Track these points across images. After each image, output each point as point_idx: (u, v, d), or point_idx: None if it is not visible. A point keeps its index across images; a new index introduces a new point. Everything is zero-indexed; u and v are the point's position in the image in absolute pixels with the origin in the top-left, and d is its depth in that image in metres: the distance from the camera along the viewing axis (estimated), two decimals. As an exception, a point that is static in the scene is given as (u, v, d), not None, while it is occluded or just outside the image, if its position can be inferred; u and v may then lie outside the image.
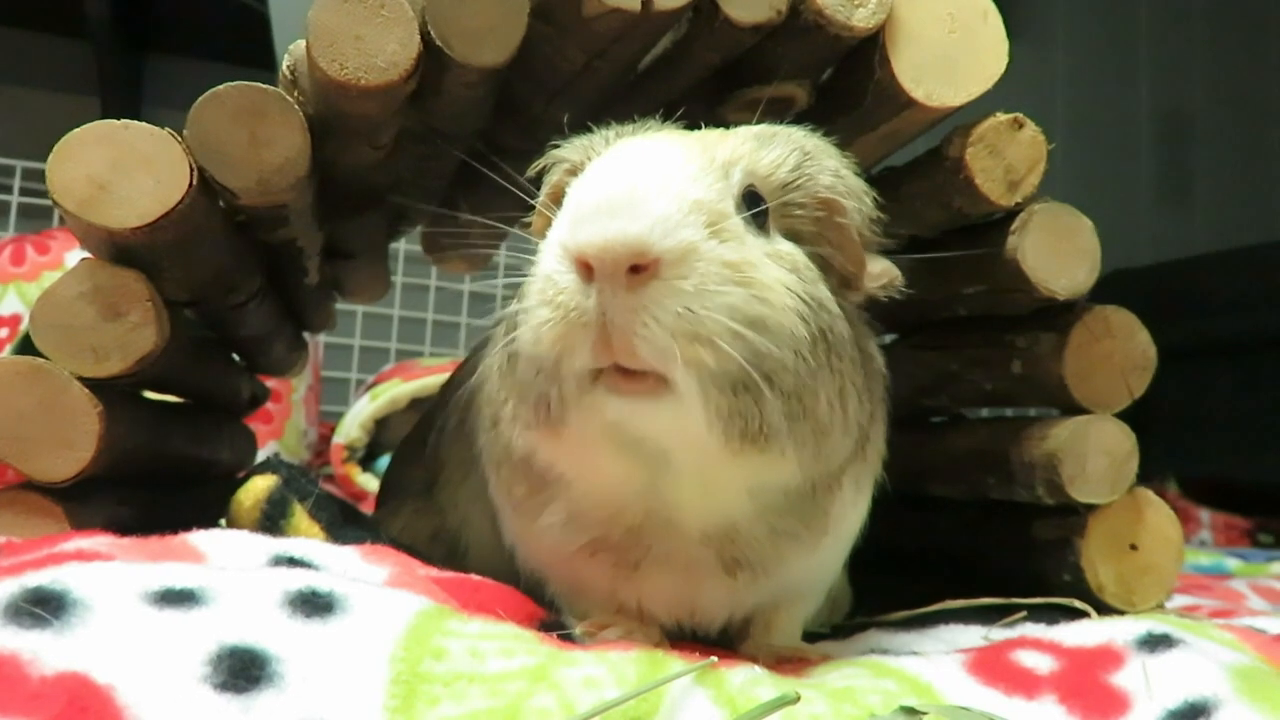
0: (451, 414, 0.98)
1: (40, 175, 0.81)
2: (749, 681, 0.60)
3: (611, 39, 0.87)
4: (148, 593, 0.57)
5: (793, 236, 0.73)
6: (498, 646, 0.59)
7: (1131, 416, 0.96)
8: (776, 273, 0.68)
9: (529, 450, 0.74)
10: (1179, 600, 1.29)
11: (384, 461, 2.34)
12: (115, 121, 0.79)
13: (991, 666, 0.71)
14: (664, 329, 0.61)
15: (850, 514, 0.81)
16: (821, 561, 0.82)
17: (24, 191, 2.67)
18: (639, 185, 0.64)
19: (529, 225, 0.81)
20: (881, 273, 0.77)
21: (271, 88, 0.82)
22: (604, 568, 0.75)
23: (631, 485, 0.70)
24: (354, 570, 0.73)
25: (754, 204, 0.71)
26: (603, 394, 0.65)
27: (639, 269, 0.61)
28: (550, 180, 0.79)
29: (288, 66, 0.85)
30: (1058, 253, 0.92)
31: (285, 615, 0.57)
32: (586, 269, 0.62)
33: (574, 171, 0.75)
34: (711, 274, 0.63)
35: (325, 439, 2.61)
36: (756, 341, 0.64)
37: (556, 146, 0.79)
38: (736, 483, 0.70)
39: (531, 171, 0.81)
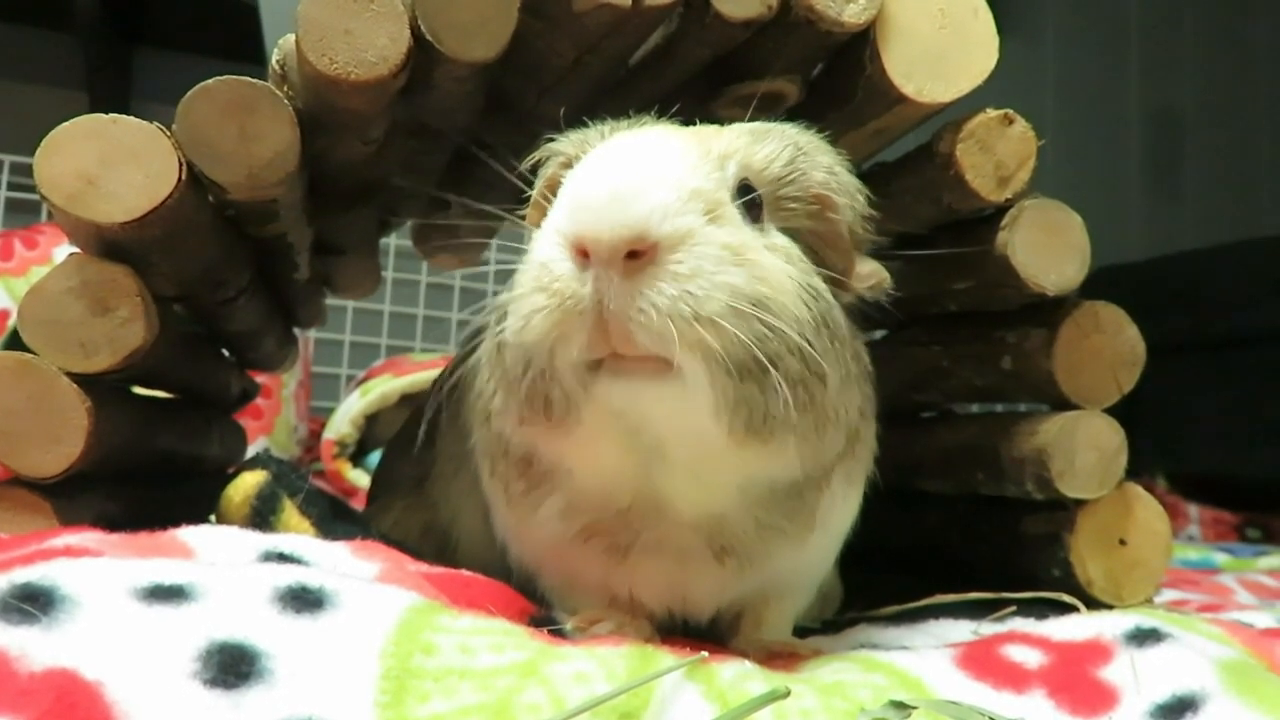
0: (444, 408, 0.98)
1: (28, 170, 0.80)
2: (739, 676, 0.61)
3: (602, 34, 0.87)
4: (137, 589, 0.56)
5: (787, 231, 0.73)
6: (488, 642, 0.59)
7: (1120, 412, 0.96)
8: (774, 259, 0.68)
9: (529, 446, 0.74)
10: (1167, 595, 1.30)
11: (374, 457, 2.34)
12: (104, 116, 0.78)
13: (981, 661, 0.71)
14: (661, 313, 0.61)
15: (840, 510, 0.81)
16: (811, 557, 0.82)
17: (12, 186, 2.66)
18: (637, 173, 0.64)
19: (523, 218, 0.81)
20: (870, 273, 0.77)
21: (261, 82, 0.81)
22: (596, 554, 0.75)
23: (627, 471, 0.70)
24: (344, 566, 0.73)
25: (748, 197, 0.71)
26: (606, 381, 0.64)
27: (637, 255, 0.61)
28: (545, 173, 0.79)
29: (277, 61, 0.84)
30: (1047, 248, 0.93)
31: (275, 611, 0.57)
32: (584, 255, 0.62)
33: (569, 164, 0.75)
34: (709, 255, 0.63)
35: (315, 435, 2.61)
36: (760, 321, 0.63)
37: (550, 140, 0.79)
38: (730, 475, 0.70)
39: (526, 165, 0.81)
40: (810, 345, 0.66)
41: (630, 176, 0.63)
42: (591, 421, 0.66)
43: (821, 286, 0.71)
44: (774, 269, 0.67)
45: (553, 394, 0.66)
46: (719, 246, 0.64)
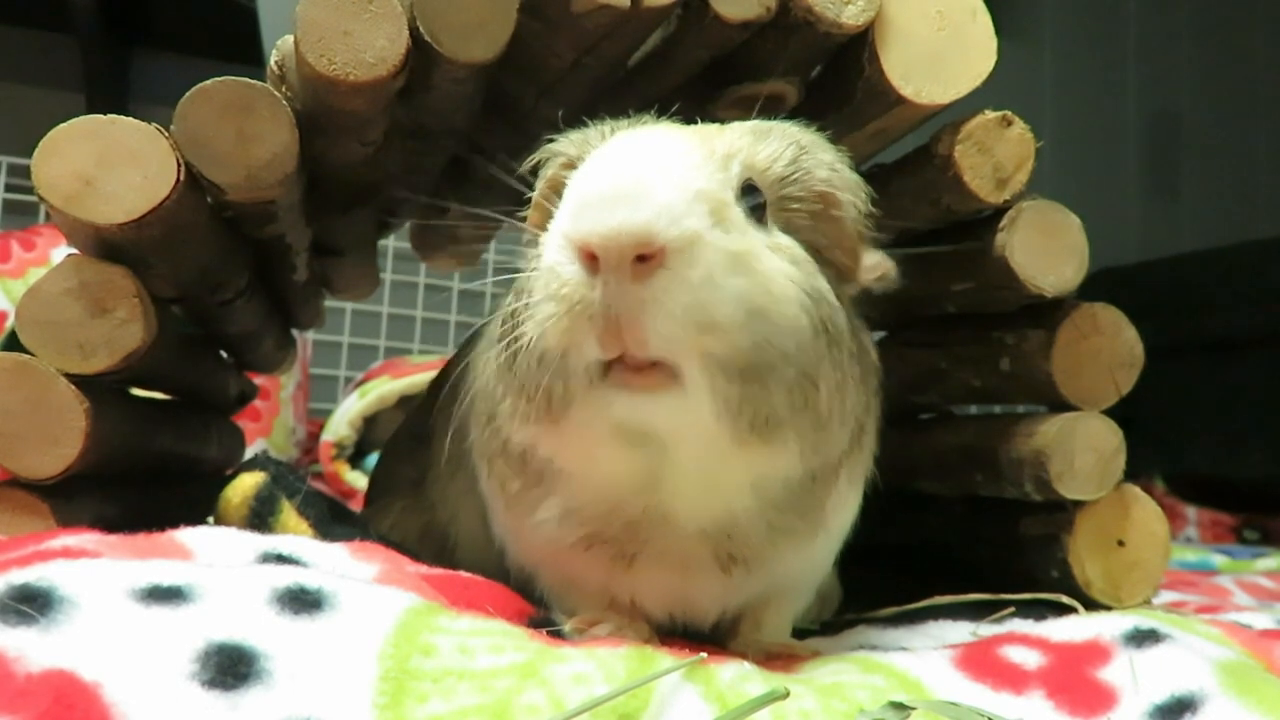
0: (442, 410, 0.98)
1: (26, 171, 0.80)
2: (738, 677, 0.61)
3: (601, 35, 0.87)
4: (135, 590, 0.56)
5: (790, 230, 0.73)
6: (487, 643, 0.59)
7: (1119, 413, 0.96)
8: (778, 264, 0.68)
9: (528, 444, 0.74)
10: (1165, 596, 1.30)
11: (373, 459, 2.34)
12: (102, 116, 0.78)
13: (980, 662, 0.71)
14: (673, 320, 0.61)
15: (843, 508, 0.82)
16: (814, 557, 0.82)
17: (9, 187, 2.66)
18: (642, 174, 0.63)
19: (523, 220, 0.81)
20: (876, 265, 0.78)
21: (259, 83, 0.81)
22: (599, 562, 0.75)
23: (632, 479, 0.70)
24: (343, 567, 0.73)
25: (752, 197, 0.71)
26: (612, 390, 0.64)
27: (645, 259, 0.61)
28: (546, 174, 0.79)
29: (276, 62, 0.84)
30: (1046, 250, 0.93)
31: (273, 612, 0.57)
32: (591, 260, 0.61)
33: (570, 165, 0.75)
34: (718, 264, 0.63)
35: (314, 436, 2.61)
36: (761, 330, 0.64)
37: (550, 141, 0.79)
38: (739, 476, 0.70)
39: (526, 166, 0.80)
40: (808, 351, 0.67)
41: (635, 178, 0.63)
42: (582, 419, 0.67)
43: (824, 289, 0.71)
44: (777, 274, 0.67)
45: (555, 391, 0.66)
46: (725, 254, 0.64)
